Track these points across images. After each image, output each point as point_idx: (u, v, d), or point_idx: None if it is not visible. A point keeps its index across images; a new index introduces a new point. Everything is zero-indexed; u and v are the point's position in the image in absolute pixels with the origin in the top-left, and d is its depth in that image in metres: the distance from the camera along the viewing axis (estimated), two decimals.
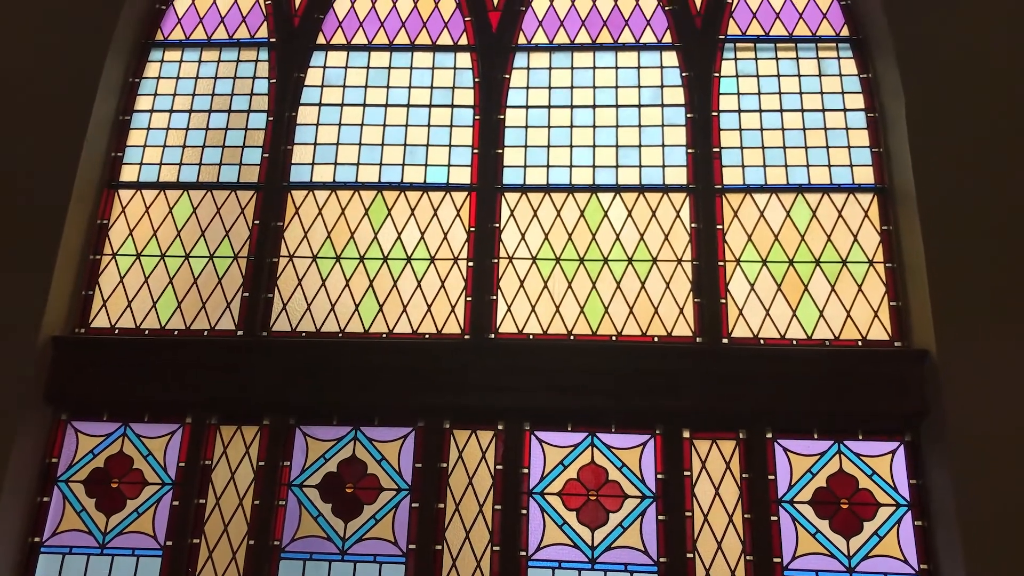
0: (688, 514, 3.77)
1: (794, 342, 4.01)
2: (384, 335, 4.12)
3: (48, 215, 4.10)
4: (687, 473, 3.83)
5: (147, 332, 4.17)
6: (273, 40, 4.68)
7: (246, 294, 4.20)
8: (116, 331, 4.18)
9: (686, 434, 3.88)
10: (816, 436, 3.86)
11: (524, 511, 3.81)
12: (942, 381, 3.66)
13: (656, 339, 4.05)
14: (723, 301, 4.07)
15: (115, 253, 4.32)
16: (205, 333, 4.16)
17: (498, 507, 3.82)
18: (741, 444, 3.86)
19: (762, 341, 4.02)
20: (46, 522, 3.89)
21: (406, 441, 3.95)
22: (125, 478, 3.96)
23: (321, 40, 4.69)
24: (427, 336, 4.11)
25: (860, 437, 3.84)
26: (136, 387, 3.99)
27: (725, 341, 4.01)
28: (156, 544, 3.85)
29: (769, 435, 3.86)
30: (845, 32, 4.54)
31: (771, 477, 3.80)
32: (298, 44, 4.65)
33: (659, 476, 3.84)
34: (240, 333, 4.14)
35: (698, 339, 4.03)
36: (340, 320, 4.16)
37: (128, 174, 4.48)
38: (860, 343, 3.99)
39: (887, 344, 3.97)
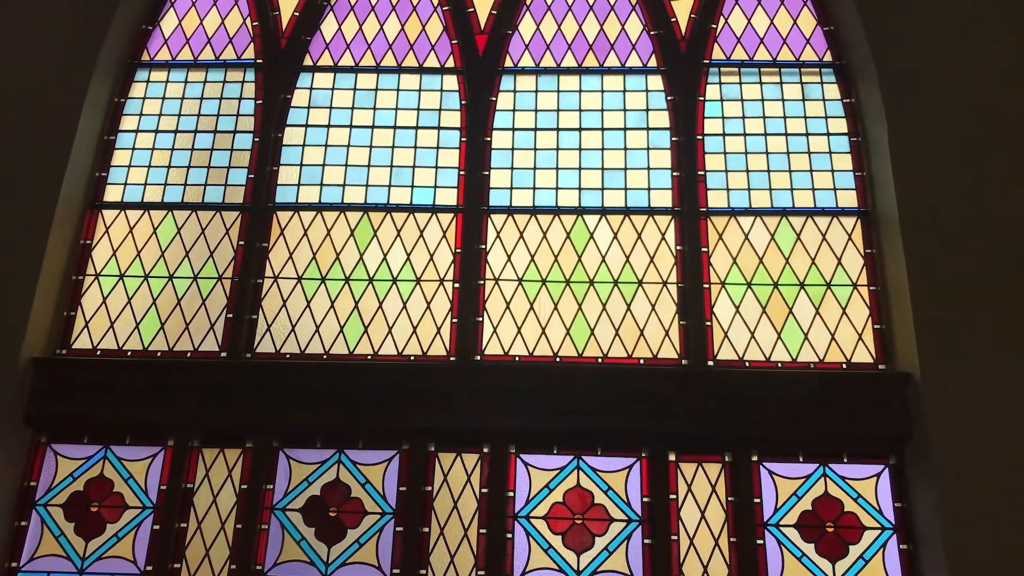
0: (674, 538, 3.75)
1: (779, 364, 4.02)
2: (369, 357, 4.10)
3: (31, 235, 4.07)
4: (673, 496, 3.82)
5: (129, 353, 4.13)
6: (260, 61, 4.68)
7: (230, 315, 4.18)
8: (98, 352, 4.14)
9: (672, 457, 3.87)
10: (801, 459, 3.86)
11: (509, 535, 3.79)
12: (925, 404, 3.68)
13: (642, 361, 4.05)
14: (708, 323, 4.08)
15: (98, 274, 4.29)
16: (188, 355, 4.13)
17: (483, 531, 3.79)
18: (727, 467, 3.86)
19: (747, 363, 4.03)
20: (23, 547, 3.83)
21: (390, 464, 3.92)
22: (105, 502, 3.90)
23: (308, 62, 4.69)
24: (412, 358, 4.09)
25: (845, 460, 3.85)
26: (117, 409, 3.95)
27: (710, 363, 4.02)
28: (136, 569, 3.79)
29: (755, 458, 3.86)
30: (828, 57, 4.60)
31: (757, 500, 3.80)
32: (285, 65, 4.66)
33: (645, 499, 3.82)
34: (224, 355, 4.11)
35: (684, 361, 4.03)
36: (325, 342, 4.14)
37: (112, 194, 4.45)
38: (844, 366, 4.00)
39: (871, 367, 3.99)
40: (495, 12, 4.72)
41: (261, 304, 4.22)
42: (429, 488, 3.87)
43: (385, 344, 4.13)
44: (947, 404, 3.65)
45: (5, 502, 3.82)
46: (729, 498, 3.81)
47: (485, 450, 3.91)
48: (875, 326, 4.06)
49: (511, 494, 3.85)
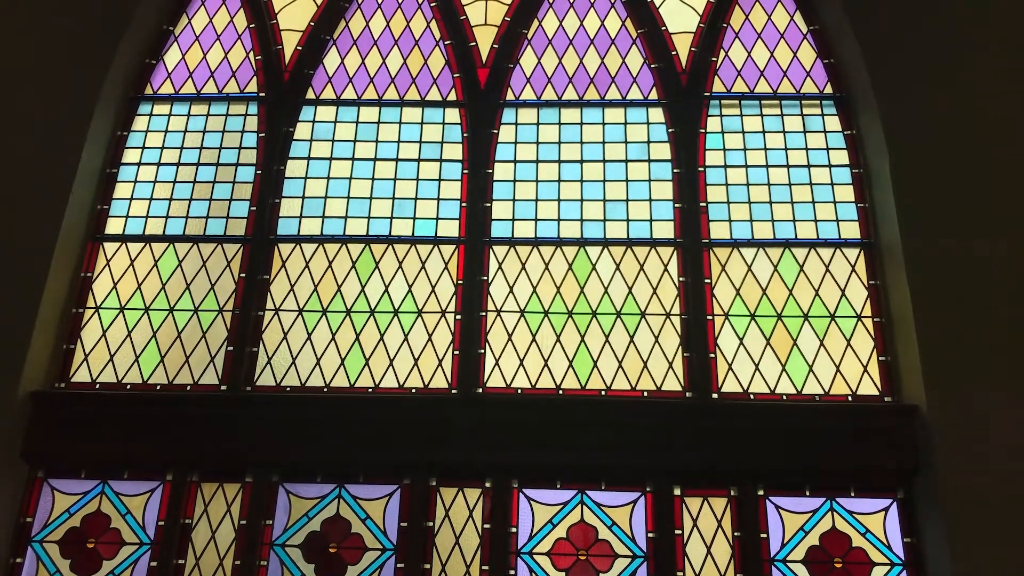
0: (680, 574, 3.69)
1: (784, 397, 3.98)
2: (370, 390, 4.07)
3: (31, 267, 4.06)
4: (678, 532, 3.76)
5: (129, 387, 4.10)
6: (263, 95, 4.71)
7: (230, 348, 4.15)
8: (97, 386, 4.11)
9: (677, 491, 3.82)
10: (808, 493, 3.81)
11: (512, 572, 3.72)
12: (933, 436, 3.63)
13: (645, 394, 4.01)
14: (712, 355, 4.05)
15: (98, 306, 4.27)
16: (188, 388, 4.10)
17: (485, 567, 3.73)
18: (733, 502, 3.80)
19: (752, 396, 3.99)
20: None
21: (391, 499, 3.86)
22: (102, 538, 3.85)
23: (311, 95, 4.72)
24: (414, 391, 4.06)
25: (852, 494, 3.79)
26: (116, 443, 3.91)
27: (715, 396, 3.98)
28: None
29: (761, 492, 3.80)
30: (829, 89, 4.61)
31: (763, 535, 3.74)
32: (288, 99, 4.68)
33: (650, 535, 3.77)
34: (224, 388, 4.08)
35: (688, 394, 4.00)
36: (326, 374, 4.11)
37: (114, 227, 4.45)
38: (850, 398, 3.96)
39: (877, 399, 3.95)
40: (496, 46, 4.75)
41: (262, 337, 4.19)
42: (431, 523, 3.81)
43: (386, 377, 4.09)
44: (955, 436, 3.60)
45: (0, 539, 3.76)
46: (735, 533, 3.76)
47: (487, 484, 3.86)
48: (880, 358, 4.03)
49: (514, 530, 3.79)
